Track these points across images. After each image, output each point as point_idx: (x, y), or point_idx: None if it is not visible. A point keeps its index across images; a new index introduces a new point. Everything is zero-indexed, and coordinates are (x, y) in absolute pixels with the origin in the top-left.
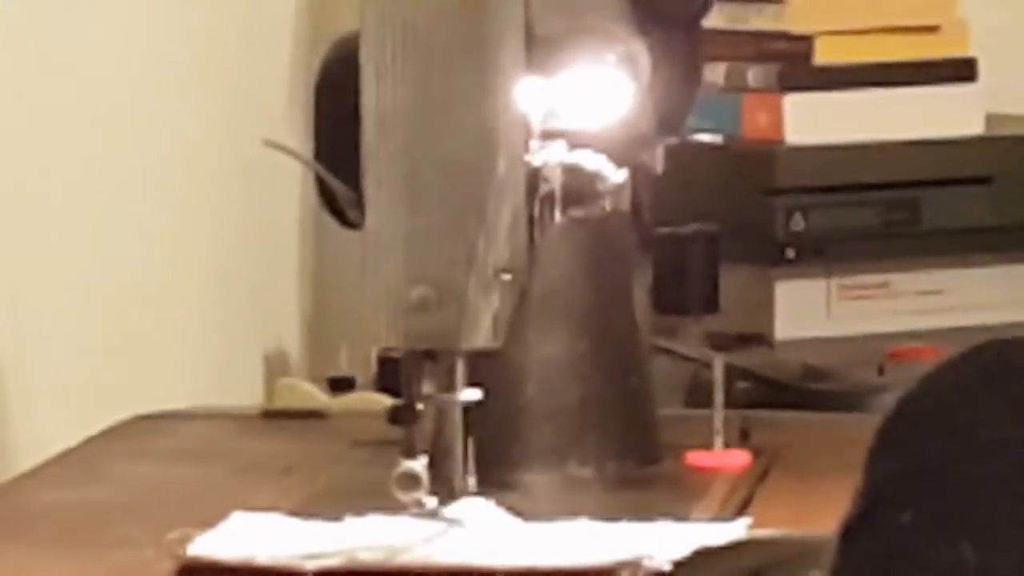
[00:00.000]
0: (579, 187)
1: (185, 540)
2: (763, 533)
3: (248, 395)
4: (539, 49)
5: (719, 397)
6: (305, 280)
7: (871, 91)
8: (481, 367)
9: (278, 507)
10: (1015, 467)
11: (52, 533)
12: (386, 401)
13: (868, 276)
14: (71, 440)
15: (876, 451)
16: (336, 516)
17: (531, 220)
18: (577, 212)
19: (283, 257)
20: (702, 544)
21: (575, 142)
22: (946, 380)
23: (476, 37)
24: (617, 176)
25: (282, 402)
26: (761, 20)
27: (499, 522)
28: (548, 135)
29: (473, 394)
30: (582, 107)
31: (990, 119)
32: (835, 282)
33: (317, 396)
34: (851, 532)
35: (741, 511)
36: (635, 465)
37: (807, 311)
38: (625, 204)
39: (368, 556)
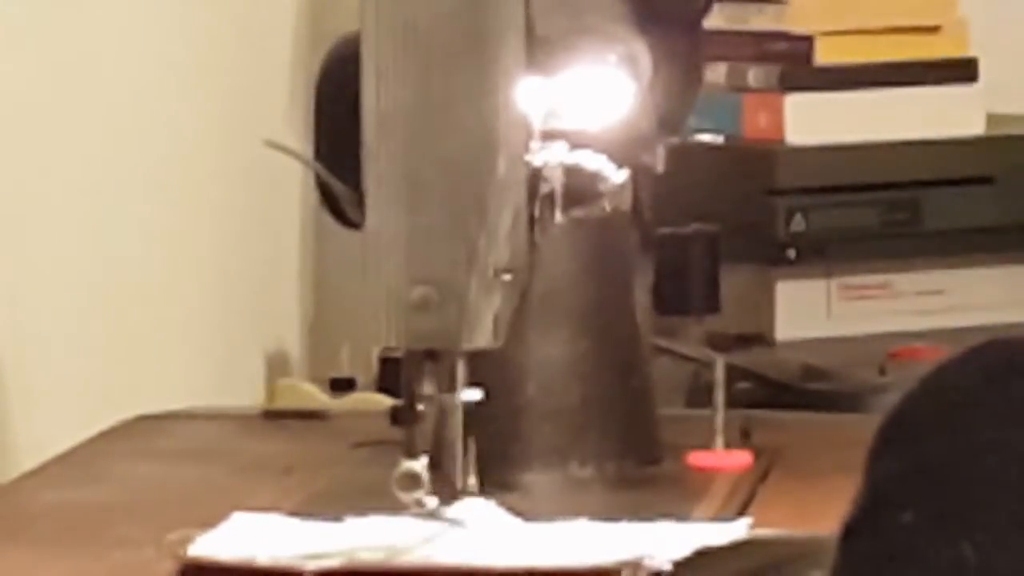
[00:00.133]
0: (580, 187)
1: (185, 540)
2: (764, 533)
3: (249, 395)
4: (540, 49)
5: (720, 397)
6: (306, 280)
7: (872, 91)
8: (482, 367)
9: (278, 507)
10: (1016, 467)
11: (52, 533)
12: (387, 401)
13: (869, 276)
14: (71, 440)
15: (877, 451)
16: (337, 516)
17: (532, 220)
18: (578, 212)
19: (284, 257)
20: (703, 544)
21: (576, 142)
22: (947, 380)
23: (477, 37)
24: (618, 176)
25: (283, 402)
26: (762, 20)
27: (500, 522)
28: (549, 135)
29: (474, 394)
30: (583, 107)
31: (991, 119)
32: (836, 282)
33: (318, 396)
34: (852, 532)
35: (742, 511)
36: (636, 465)
37: (808, 311)
38: (626, 204)
39: (368, 556)
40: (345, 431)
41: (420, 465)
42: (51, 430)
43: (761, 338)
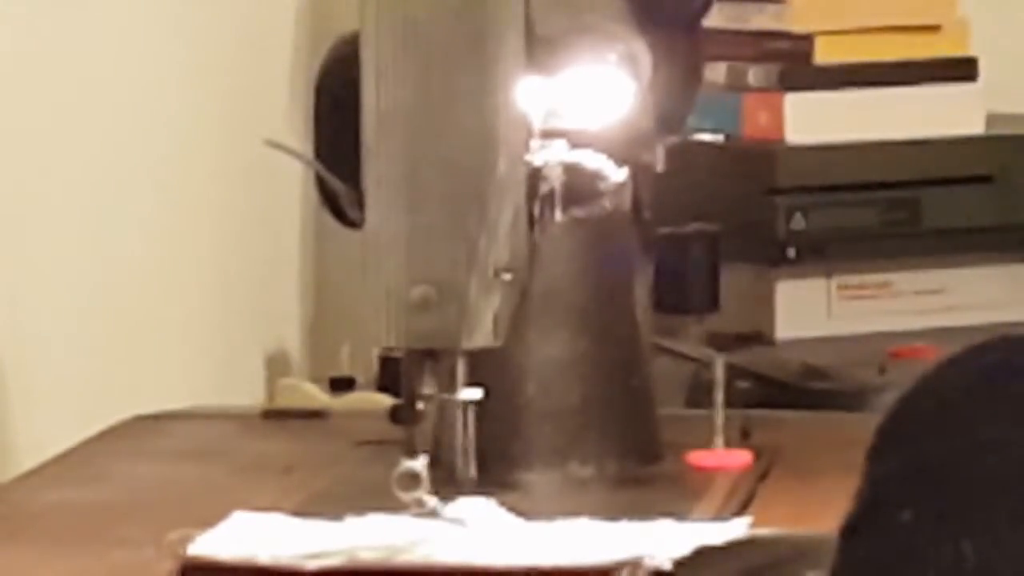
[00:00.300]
0: (580, 186)
1: (185, 540)
2: (763, 532)
3: (249, 395)
4: (540, 48)
5: (720, 397)
6: (306, 280)
7: (871, 91)
8: (482, 366)
9: (279, 507)
10: (1015, 466)
11: (52, 533)
12: (387, 401)
13: (869, 276)
14: (71, 440)
15: (876, 450)
16: (337, 516)
17: (532, 219)
18: (578, 211)
19: (284, 257)
20: (702, 543)
21: (576, 141)
22: (946, 379)
23: (476, 36)
24: (618, 175)
25: (283, 402)
26: (762, 20)
27: (500, 521)
28: (549, 134)
29: (474, 393)
30: (583, 106)
31: (990, 118)
32: (836, 282)
33: (318, 396)
34: (851, 531)
35: (742, 510)
36: (636, 464)
37: (808, 311)
38: (626, 204)
39: (369, 555)
40: (345, 431)
41: (420, 464)
42: (51, 430)
43: (761, 337)
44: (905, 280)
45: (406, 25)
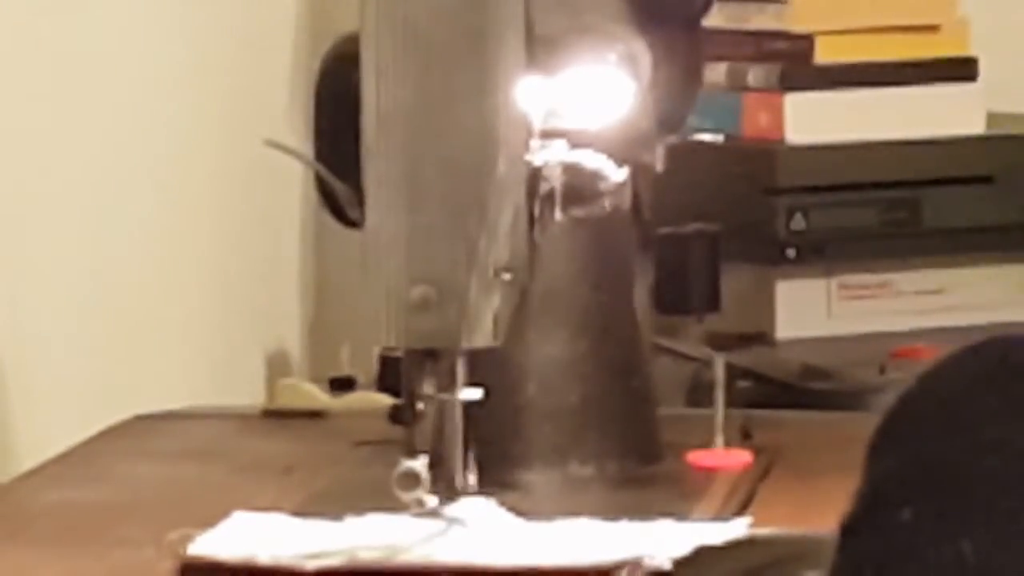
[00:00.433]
0: (580, 186)
1: (185, 540)
2: (763, 532)
3: (249, 395)
4: (539, 48)
5: (720, 396)
6: (306, 280)
7: (871, 91)
8: (482, 366)
9: (279, 507)
10: (1015, 465)
11: (52, 533)
12: (387, 401)
13: (869, 276)
14: (71, 440)
15: (876, 449)
16: (337, 516)
17: (532, 219)
18: (578, 211)
19: (284, 257)
20: (702, 543)
21: (576, 141)
22: (946, 378)
23: (476, 36)
24: (618, 175)
25: (283, 402)
26: (762, 20)
27: (500, 521)
28: (549, 134)
29: (474, 393)
30: (583, 106)
31: (991, 118)
32: (836, 281)
33: (318, 396)
34: (851, 530)
35: (742, 510)
36: (636, 464)
37: (808, 310)
38: (626, 203)
39: (368, 556)
40: (345, 431)
41: (420, 464)
42: (51, 430)
43: (761, 337)
44: (905, 280)
45: (406, 25)
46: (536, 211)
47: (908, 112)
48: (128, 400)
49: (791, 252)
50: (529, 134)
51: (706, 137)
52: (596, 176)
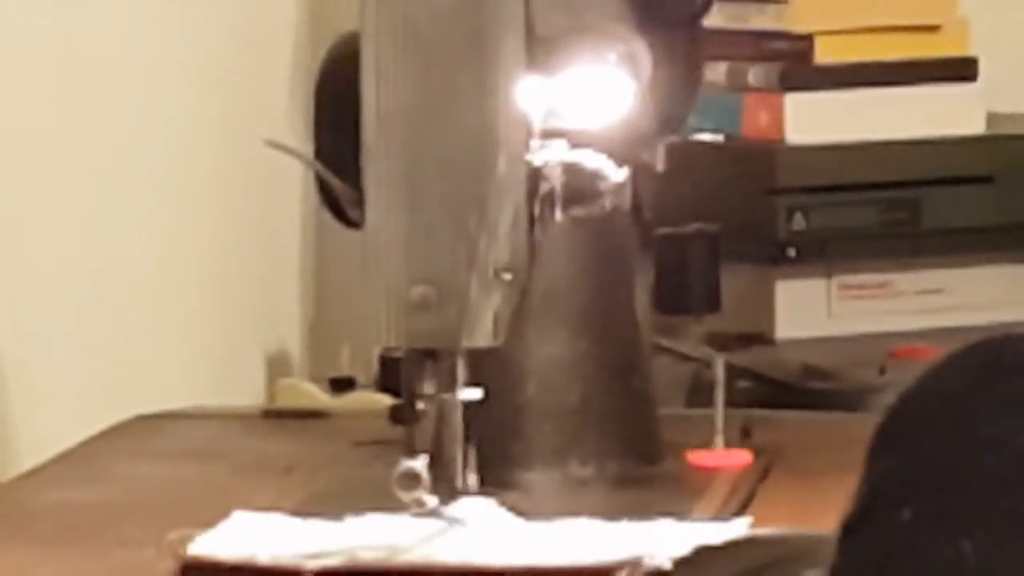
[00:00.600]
0: (580, 186)
1: (185, 540)
2: (763, 532)
3: (249, 395)
4: (540, 48)
5: (720, 396)
6: (306, 280)
7: (871, 91)
8: (482, 366)
9: (279, 507)
10: (1014, 464)
11: (52, 533)
12: (387, 401)
13: (869, 276)
14: (71, 440)
15: (876, 448)
16: (337, 516)
17: (532, 219)
18: (578, 211)
19: (284, 257)
20: (702, 543)
21: (576, 141)
22: (946, 377)
23: (476, 36)
24: (618, 175)
25: (283, 402)
26: (762, 20)
27: (500, 521)
28: (549, 134)
29: (474, 393)
30: (583, 106)
31: (991, 118)
32: (836, 282)
33: (318, 396)
34: (851, 530)
35: (742, 510)
36: (636, 464)
37: (808, 311)
38: (626, 203)
39: (368, 556)
40: (345, 431)
41: (420, 464)
42: (51, 430)
43: (761, 337)
44: (905, 280)
45: (406, 25)
46: (536, 211)
47: (908, 112)
48: (128, 400)
49: (791, 252)
50: (529, 134)
51: (706, 137)
52: (596, 176)
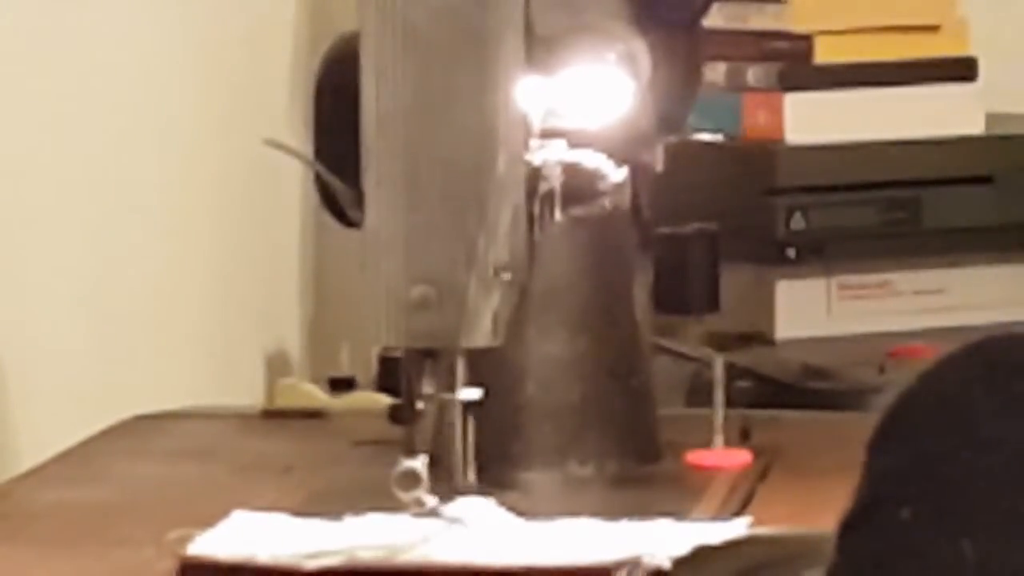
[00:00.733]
0: (579, 186)
1: (185, 540)
2: (763, 532)
3: (249, 395)
4: (539, 48)
5: (719, 396)
6: (306, 280)
7: (871, 91)
8: (481, 366)
9: (278, 507)
10: (1014, 463)
11: (52, 533)
12: (386, 401)
13: (868, 276)
14: (71, 440)
15: (875, 447)
16: (336, 516)
17: (531, 219)
18: (577, 211)
19: (284, 257)
20: (702, 543)
21: (575, 141)
22: (946, 376)
23: (476, 36)
24: (617, 175)
25: (283, 402)
26: (761, 19)
27: (499, 521)
28: (548, 134)
29: (473, 393)
30: (582, 106)
31: (990, 118)
32: (835, 281)
33: (318, 396)
34: (850, 528)
35: (741, 510)
36: (635, 464)
37: (807, 310)
38: (625, 203)
39: (368, 555)
40: (345, 431)
41: (420, 464)
42: (51, 430)
43: (761, 337)
44: (905, 280)
45: (405, 25)
46: (536, 211)
47: (908, 112)
48: (128, 400)
49: (791, 252)
50: (529, 134)
51: (706, 137)
52: (596, 176)
